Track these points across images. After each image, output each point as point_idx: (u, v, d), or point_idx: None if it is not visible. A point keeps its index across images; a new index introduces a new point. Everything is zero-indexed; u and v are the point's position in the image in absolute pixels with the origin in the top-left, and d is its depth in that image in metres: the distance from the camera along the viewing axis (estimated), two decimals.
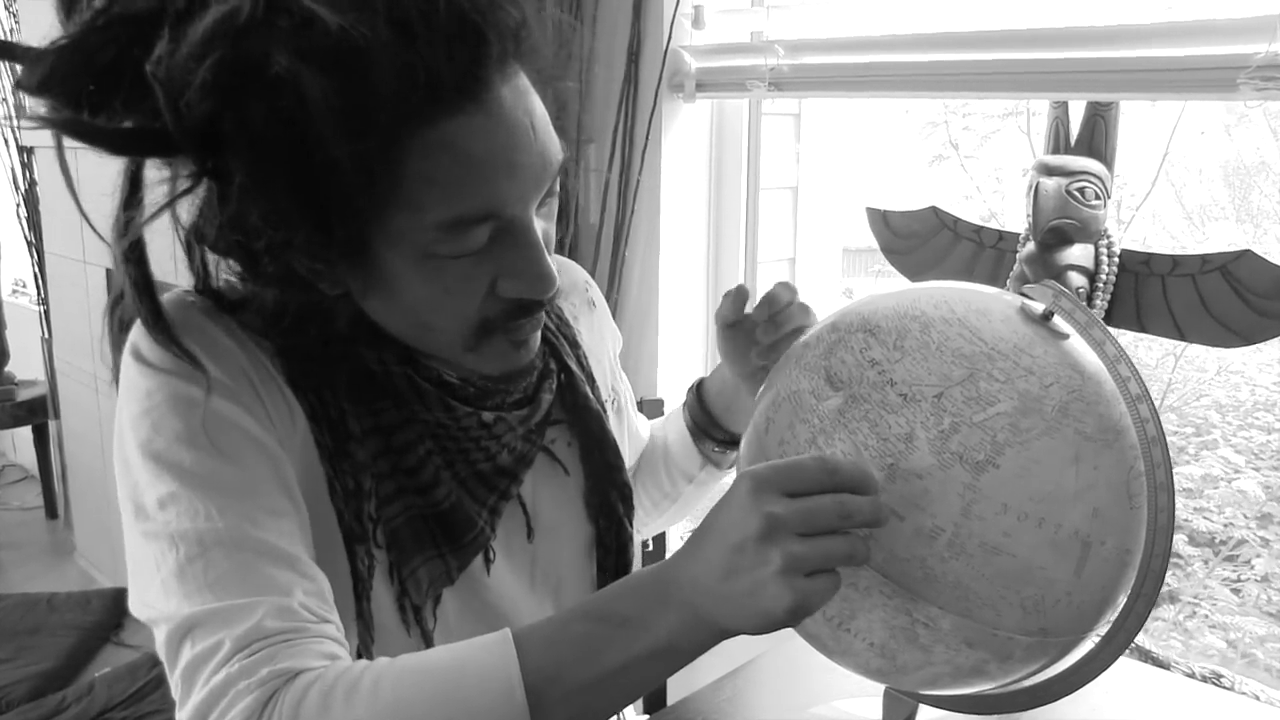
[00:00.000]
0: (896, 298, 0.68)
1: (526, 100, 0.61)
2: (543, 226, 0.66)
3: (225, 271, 0.67)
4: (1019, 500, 0.59)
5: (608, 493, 0.84)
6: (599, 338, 0.91)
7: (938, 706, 0.80)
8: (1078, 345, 0.65)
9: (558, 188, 0.67)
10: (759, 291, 0.80)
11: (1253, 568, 2.24)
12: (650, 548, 1.51)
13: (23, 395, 3.21)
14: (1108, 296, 1.12)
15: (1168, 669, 1.07)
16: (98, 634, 2.33)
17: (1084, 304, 0.68)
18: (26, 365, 3.39)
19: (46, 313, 3.09)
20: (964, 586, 0.59)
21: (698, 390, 0.93)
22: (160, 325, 0.63)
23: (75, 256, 2.72)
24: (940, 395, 0.60)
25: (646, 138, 1.58)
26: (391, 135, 0.56)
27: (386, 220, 0.60)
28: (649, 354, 1.70)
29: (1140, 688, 0.94)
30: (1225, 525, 2.30)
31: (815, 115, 1.87)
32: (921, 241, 1.32)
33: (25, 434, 3.39)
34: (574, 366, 0.82)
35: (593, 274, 1.68)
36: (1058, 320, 0.66)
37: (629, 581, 0.60)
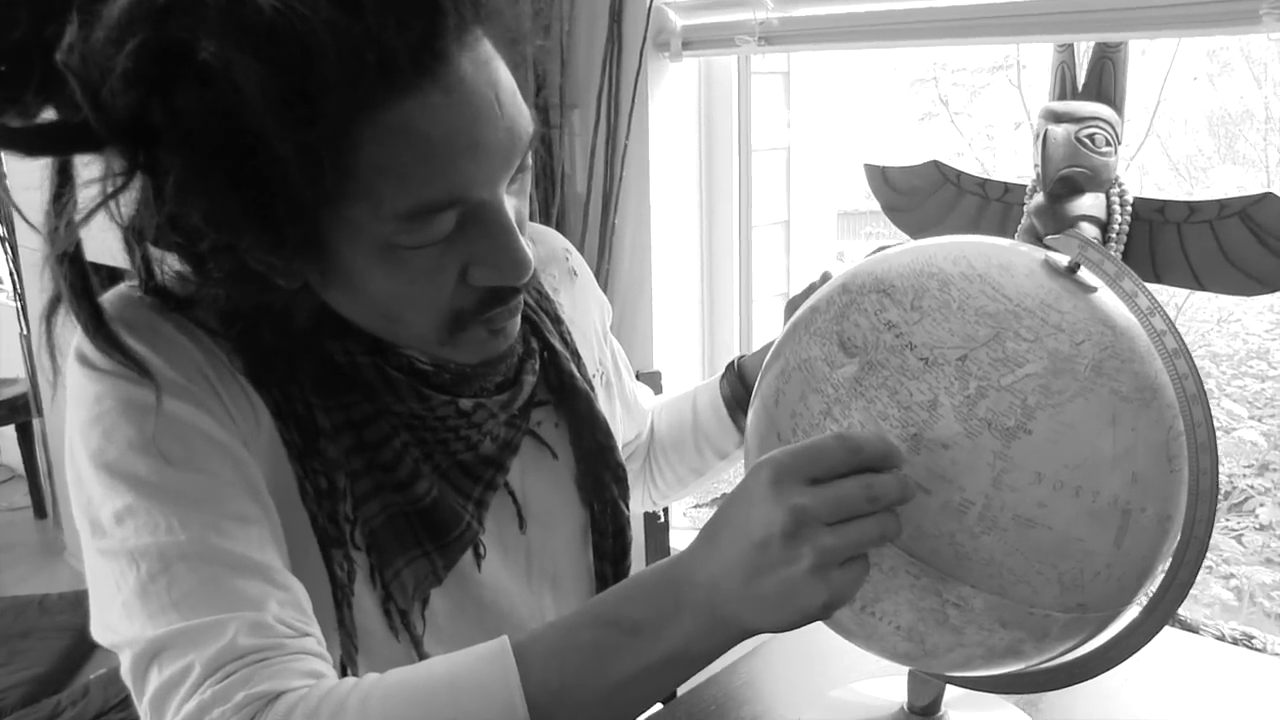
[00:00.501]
0: (911, 254, 0.63)
1: (490, 71, 0.56)
2: (514, 205, 0.61)
3: (172, 263, 0.62)
4: (1053, 468, 0.54)
5: (600, 474, 0.79)
6: (583, 309, 0.86)
7: (968, 687, 0.76)
8: (1107, 299, 0.61)
9: (529, 162, 0.62)
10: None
11: (1257, 516, 2.23)
12: (662, 519, 1.47)
13: (4, 394, 3.15)
14: (1121, 247, 1.07)
15: (1196, 632, 1.04)
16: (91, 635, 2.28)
17: (1112, 254, 0.64)
18: (6, 363, 3.32)
19: (23, 308, 3.02)
20: (997, 563, 0.55)
21: (738, 368, 0.88)
22: (102, 331, 0.58)
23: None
24: (964, 358, 0.56)
25: (633, 100, 1.53)
26: (340, 122, 0.50)
27: (341, 212, 0.54)
28: (644, 325, 1.66)
29: (1170, 653, 0.90)
30: (1228, 476, 2.28)
31: (805, 74, 1.82)
32: (923, 197, 1.27)
33: (9, 433, 3.33)
34: (557, 344, 0.77)
35: (582, 244, 1.64)
36: (1084, 273, 0.62)
37: (638, 583, 0.56)
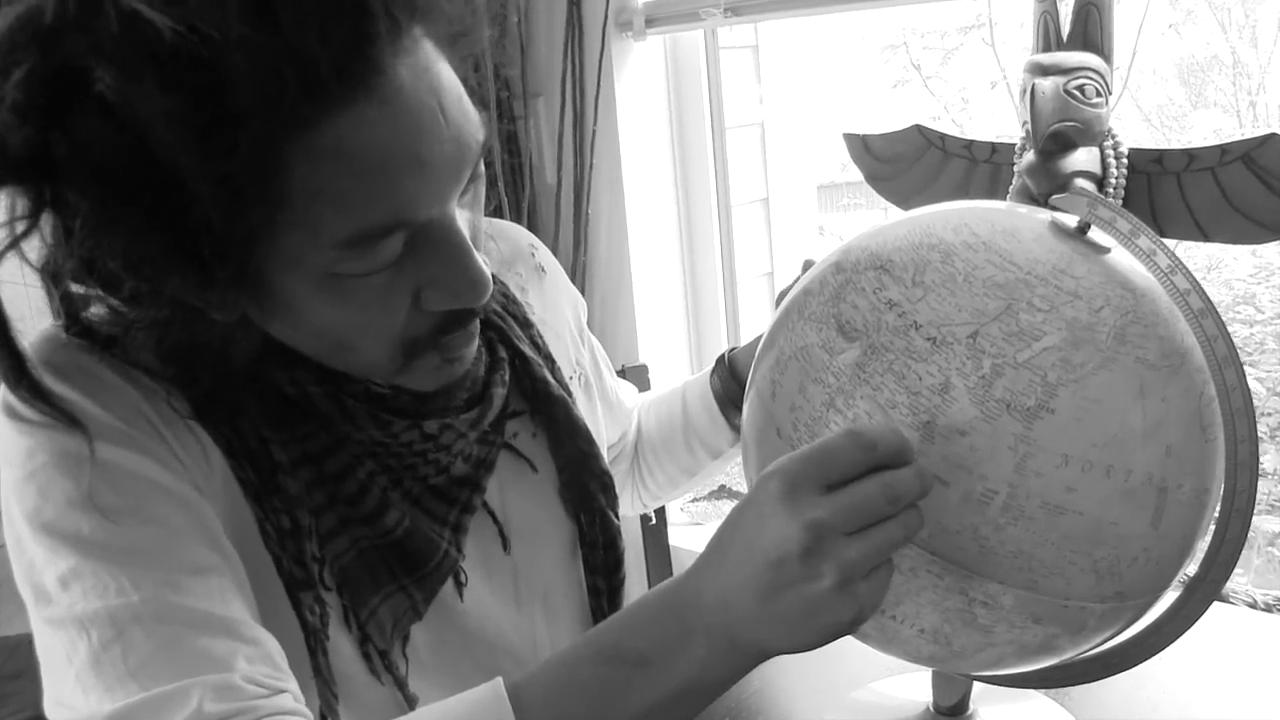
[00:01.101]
0: (907, 226, 0.58)
1: (431, 76, 0.50)
2: (468, 218, 0.56)
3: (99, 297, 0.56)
4: (1081, 448, 0.50)
5: (585, 484, 0.74)
6: (555, 308, 0.81)
7: (996, 683, 0.71)
8: (1123, 259, 0.57)
9: (482, 169, 0.57)
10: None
11: (1260, 463, 2.20)
12: (654, 520, 1.42)
13: None
14: (1119, 202, 1.03)
15: (1227, 601, 1.00)
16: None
17: (1126, 210, 0.59)
18: None
19: None
20: (1026, 555, 0.50)
21: (729, 362, 0.84)
22: (25, 380, 0.53)
23: (15, 280, 2.58)
24: (975, 334, 0.51)
25: (598, 84, 1.48)
26: (264, 149, 0.45)
27: (276, 243, 0.49)
28: (625, 316, 1.61)
29: (1202, 625, 0.86)
30: None
31: (774, 47, 1.77)
32: (908, 164, 1.22)
33: None
34: (527, 350, 0.72)
35: (555, 237, 1.58)
36: (1095, 233, 0.57)
37: (640, 609, 0.51)
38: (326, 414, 0.60)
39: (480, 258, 0.55)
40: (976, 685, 0.73)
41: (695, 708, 0.50)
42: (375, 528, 0.62)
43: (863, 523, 0.46)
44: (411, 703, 0.63)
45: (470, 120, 0.52)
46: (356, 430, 0.61)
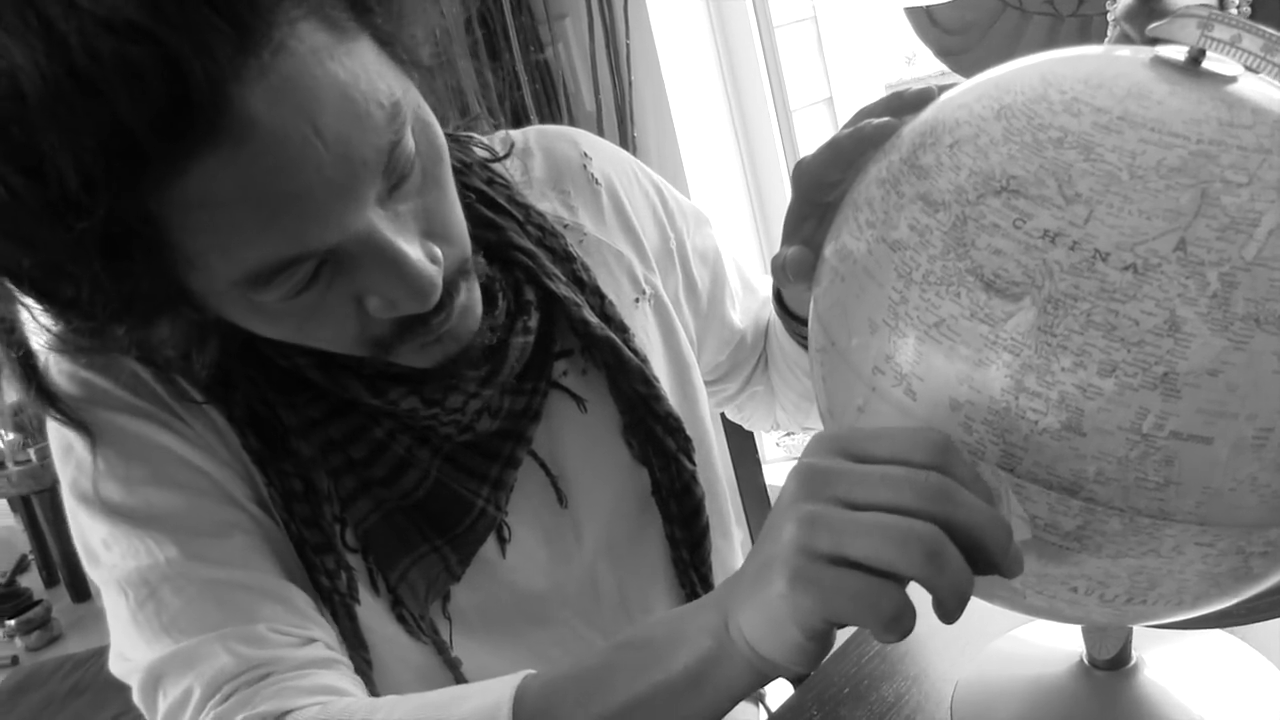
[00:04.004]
0: (1000, 124, 0.44)
1: (299, 94, 0.43)
2: (412, 209, 0.51)
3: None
4: None
5: (650, 428, 0.68)
6: (618, 223, 0.73)
7: (1172, 627, 0.60)
8: (1260, 87, 0.43)
9: (414, 145, 0.49)
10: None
11: None
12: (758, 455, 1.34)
13: None
14: None
15: None
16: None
17: (1249, 22, 0.46)
18: None
19: None
20: None
21: (779, 296, 0.74)
22: (41, 391, 0.55)
23: None
24: (1182, 243, 0.39)
25: None
26: (117, 218, 0.42)
27: (184, 286, 0.48)
28: None
29: None
30: None
31: None
32: (982, 31, 1.08)
33: None
34: (562, 289, 0.65)
35: None
36: (1213, 60, 0.44)
37: (691, 602, 0.48)
38: (319, 384, 0.59)
39: (424, 256, 0.50)
40: (1136, 630, 0.62)
41: (687, 713, 0.43)
42: (394, 490, 0.61)
43: (868, 493, 0.38)
44: (453, 666, 0.63)
45: (366, 125, 0.46)
46: (357, 398, 0.59)
